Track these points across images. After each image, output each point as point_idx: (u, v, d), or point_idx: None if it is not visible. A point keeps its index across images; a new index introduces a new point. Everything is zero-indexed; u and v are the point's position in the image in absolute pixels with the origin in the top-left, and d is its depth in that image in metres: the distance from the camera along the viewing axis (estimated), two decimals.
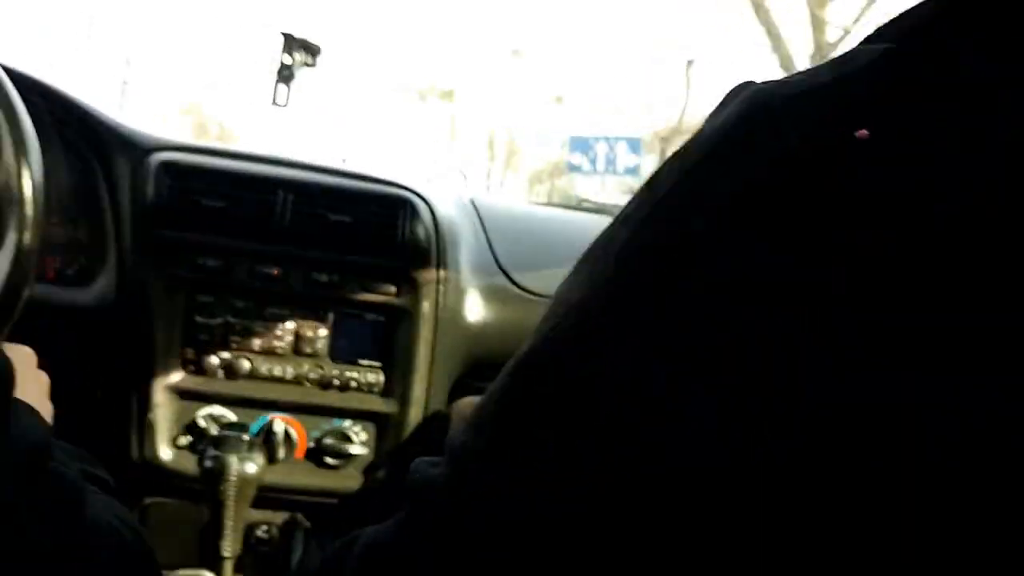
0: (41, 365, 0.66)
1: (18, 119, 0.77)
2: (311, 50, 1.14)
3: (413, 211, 1.00)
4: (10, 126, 0.77)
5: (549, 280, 1.10)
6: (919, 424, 0.23)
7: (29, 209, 0.77)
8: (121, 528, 0.43)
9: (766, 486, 0.25)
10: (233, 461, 0.82)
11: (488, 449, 0.33)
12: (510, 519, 0.31)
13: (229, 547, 0.81)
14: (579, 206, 1.59)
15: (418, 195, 1.02)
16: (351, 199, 0.98)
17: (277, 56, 1.12)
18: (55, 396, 0.79)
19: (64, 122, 0.97)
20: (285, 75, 1.11)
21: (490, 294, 1.07)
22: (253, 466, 0.83)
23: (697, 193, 0.29)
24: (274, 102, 1.11)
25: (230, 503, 0.81)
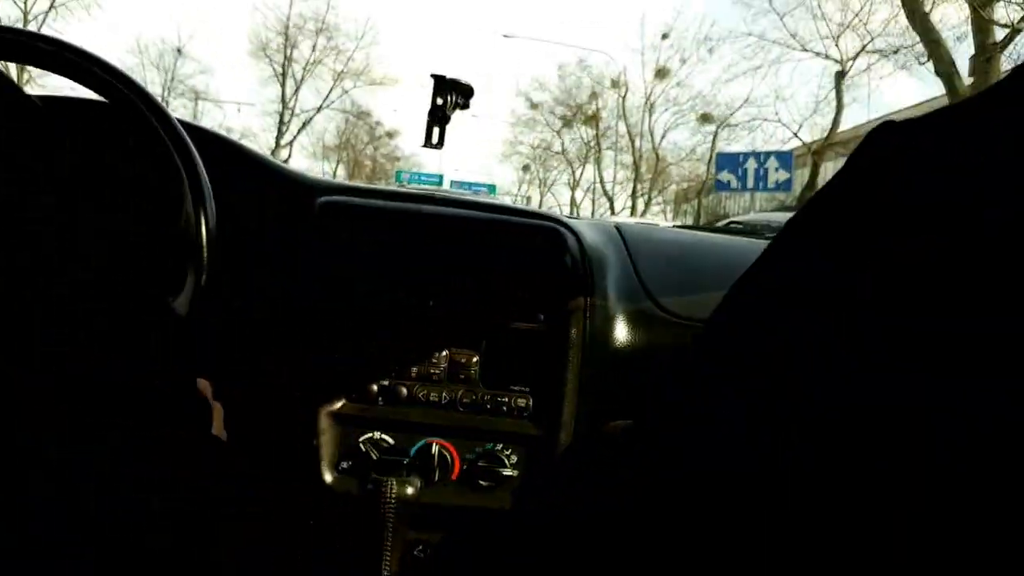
0: (215, 395, 0.72)
1: (197, 172, 0.85)
2: (463, 91, 1.18)
3: (560, 242, 1.02)
4: (189, 179, 0.85)
5: (695, 304, 1.09)
6: (931, 425, 0.23)
7: (205, 254, 0.85)
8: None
9: (792, 488, 0.25)
10: (393, 484, 0.86)
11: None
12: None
13: (389, 566, 0.85)
14: (727, 228, 1.57)
15: (564, 226, 1.05)
16: (499, 233, 1.02)
17: (430, 98, 1.17)
18: (229, 422, 0.86)
19: (234, 170, 1.05)
20: (438, 116, 1.16)
21: (637, 319, 1.08)
22: (411, 488, 0.87)
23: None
24: (427, 143, 1.17)
25: (390, 524, 0.86)
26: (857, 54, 17.90)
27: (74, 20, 27.74)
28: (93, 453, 0.32)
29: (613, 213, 25.02)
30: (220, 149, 1.03)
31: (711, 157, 22.48)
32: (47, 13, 23.10)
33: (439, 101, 1.21)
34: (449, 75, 1.23)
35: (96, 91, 0.90)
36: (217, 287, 0.91)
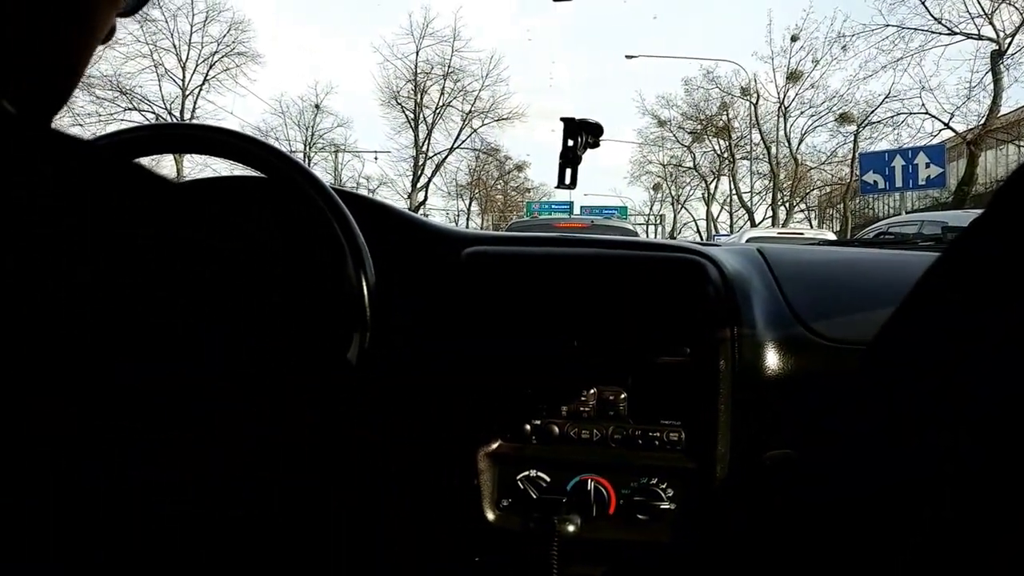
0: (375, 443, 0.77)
1: (354, 236, 0.92)
2: (592, 130, 1.21)
3: (701, 273, 1.02)
4: (348, 243, 0.92)
5: (848, 326, 1.06)
6: None
7: (368, 313, 0.91)
8: None
9: (962, 492, 0.25)
10: (554, 523, 0.89)
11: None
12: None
13: None
14: (877, 240, 1.52)
15: (704, 256, 1.05)
16: (639, 269, 1.03)
17: (562, 140, 1.21)
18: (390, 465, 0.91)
19: (387, 227, 1.12)
20: (570, 157, 1.20)
21: (787, 346, 1.06)
22: (572, 526, 0.90)
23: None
24: (560, 184, 1.20)
25: (554, 562, 0.88)
26: (1017, 30, 16.69)
27: (224, 90, 29.94)
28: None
29: (753, 225, 24.31)
30: (370, 211, 1.10)
31: (853, 158, 21.52)
32: (201, 87, 25.04)
33: (570, 143, 1.24)
34: (577, 116, 1.26)
35: (258, 169, 0.98)
36: (380, 342, 0.97)
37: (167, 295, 0.34)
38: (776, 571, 0.39)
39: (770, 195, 25.99)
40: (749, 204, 26.92)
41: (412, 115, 27.88)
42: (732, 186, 27.89)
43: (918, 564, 0.29)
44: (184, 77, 24.76)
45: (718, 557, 0.49)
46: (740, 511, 0.50)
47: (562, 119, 1.24)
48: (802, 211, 27.42)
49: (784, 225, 21.06)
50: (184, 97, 24.72)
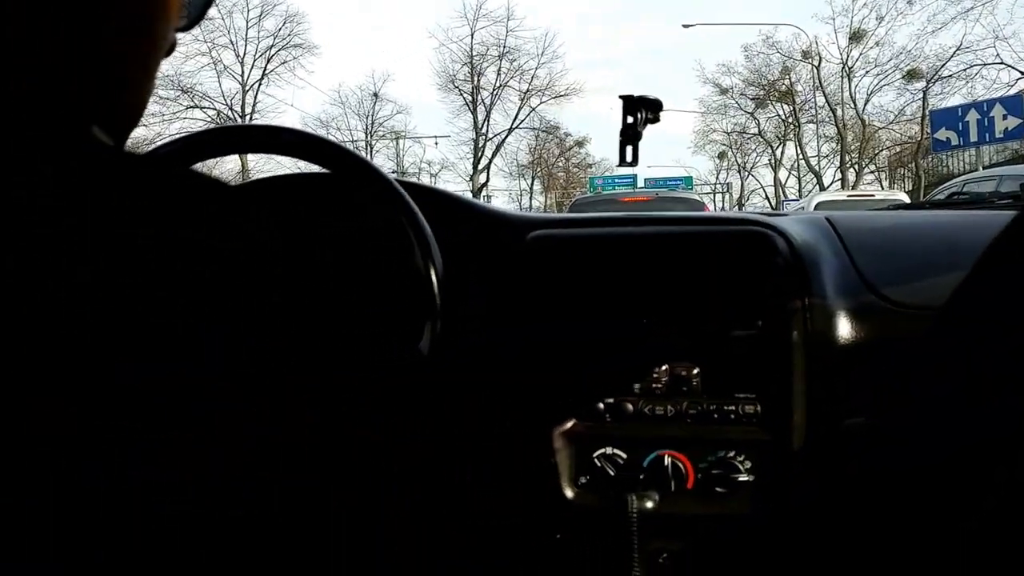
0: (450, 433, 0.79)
1: (421, 228, 0.94)
2: (652, 106, 1.21)
3: (769, 245, 1.02)
4: (415, 235, 0.94)
5: (922, 291, 1.05)
6: None
7: (437, 302, 0.94)
8: None
9: None
10: (632, 499, 0.90)
11: None
12: None
13: (637, 575, 0.89)
14: (949, 201, 1.48)
15: (771, 227, 1.04)
16: (707, 244, 1.03)
17: (621, 118, 1.21)
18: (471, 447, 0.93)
19: (451, 217, 1.14)
20: (631, 135, 1.20)
21: (860, 314, 1.05)
22: (651, 502, 0.91)
23: None
24: (622, 162, 1.20)
25: (634, 537, 0.90)
26: None
27: (283, 83, 30.46)
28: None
29: (822, 189, 23.70)
30: (434, 200, 1.13)
31: (924, 115, 20.77)
32: (260, 81, 25.51)
33: (629, 120, 1.24)
34: (636, 88, 1.26)
35: (323, 166, 1.01)
36: (451, 331, 1.00)
37: (213, 295, 0.34)
38: (852, 538, 0.39)
39: (838, 158, 25.29)
40: (817, 168, 26.24)
41: (470, 98, 27.95)
42: (798, 151, 27.23)
43: (989, 527, 0.29)
44: (243, 72, 25.28)
45: (796, 526, 0.49)
46: (818, 480, 0.50)
47: (621, 97, 1.24)
48: (872, 172, 26.62)
49: (854, 188, 20.49)
50: (244, 92, 25.25)
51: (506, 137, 28.50)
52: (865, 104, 24.97)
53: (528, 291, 1.10)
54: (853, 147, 24.90)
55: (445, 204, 1.14)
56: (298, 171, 1.23)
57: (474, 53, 27.71)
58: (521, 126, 28.62)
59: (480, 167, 27.79)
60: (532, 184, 32.50)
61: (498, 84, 27.92)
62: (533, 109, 28.40)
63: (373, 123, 28.93)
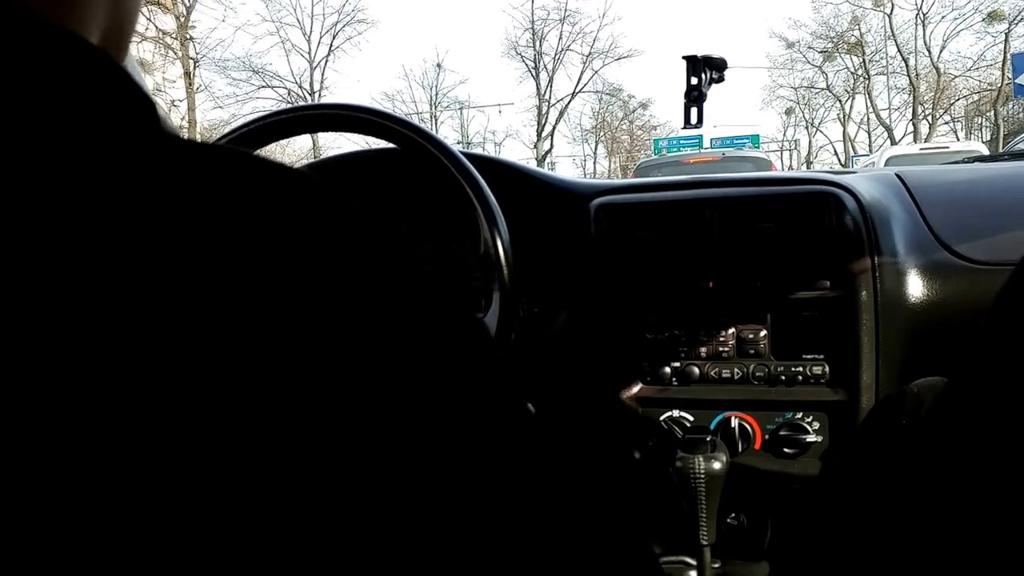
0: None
1: (487, 199, 0.96)
2: (716, 65, 1.20)
3: (837, 204, 1.01)
4: (481, 206, 0.96)
5: (997, 247, 1.02)
6: None
7: (506, 271, 0.95)
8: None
9: None
10: (700, 461, 0.91)
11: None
12: None
13: (706, 536, 0.91)
14: None
15: (839, 186, 1.03)
16: (773, 205, 1.03)
17: (685, 79, 1.20)
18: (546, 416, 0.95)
19: (515, 187, 1.16)
20: (695, 96, 1.19)
21: (932, 272, 1.03)
22: (718, 463, 0.92)
23: None
24: (687, 124, 1.20)
25: (702, 498, 0.91)
26: None
27: (348, 59, 30.71)
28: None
29: (893, 143, 22.89)
30: (499, 171, 1.14)
31: (1005, 59, 19.81)
32: (326, 58, 25.78)
33: (694, 81, 1.23)
34: (700, 46, 1.24)
35: (390, 141, 1.03)
36: (519, 300, 1.01)
37: None
38: (922, 500, 0.40)
39: (910, 110, 24.36)
40: (888, 122, 25.35)
41: (532, 63, 27.74)
42: (868, 104, 26.31)
43: None
44: (310, 50, 25.56)
45: (866, 485, 0.50)
46: (888, 440, 0.50)
47: (684, 57, 1.23)
48: (946, 123, 25.58)
49: (927, 140, 19.73)
50: (312, 70, 25.54)
51: (569, 102, 28.25)
52: (940, 51, 23.93)
53: (593, 258, 1.11)
54: (926, 98, 23.93)
55: (509, 175, 1.16)
56: (367, 147, 1.26)
57: (535, 18, 27.45)
58: (584, 90, 28.33)
59: (544, 134, 27.63)
60: (596, 149, 32.20)
61: (560, 48, 27.64)
62: (596, 72, 28.06)
63: (437, 94, 28.99)
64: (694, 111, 1.22)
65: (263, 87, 24.76)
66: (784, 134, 32.88)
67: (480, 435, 0.38)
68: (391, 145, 1.03)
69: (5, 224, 0.27)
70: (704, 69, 1.22)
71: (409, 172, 1.17)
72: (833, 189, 1.02)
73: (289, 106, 1.13)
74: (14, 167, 0.27)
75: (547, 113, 27.78)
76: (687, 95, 1.24)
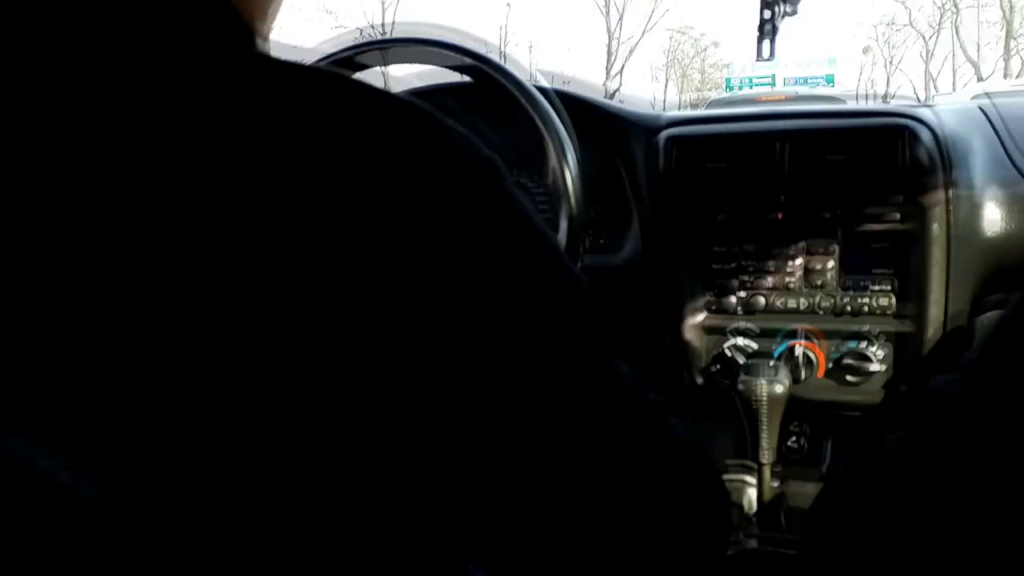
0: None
1: (556, 129, 0.98)
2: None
3: (912, 137, 1.00)
4: (550, 135, 0.98)
5: None
6: None
7: (574, 200, 0.98)
8: (694, 443, 0.53)
9: None
10: (763, 384, 0.94)
11: (1002, 370, 0.37)
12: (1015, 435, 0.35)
13: (766, 456, 0.94)
14: None
15: (916, 119, 1.02)
16: (846, 137, 1.03)
17: (759, 12, 1.19)
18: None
19: (587, 118, 1.17)
20: (767, 29, 1.18)
21: (1011, 205, 1.02)
22: (780, 387, 0.95)
23: None
24: (759, 57, 1.19)
25: (763, 419, 0.94)
26: None
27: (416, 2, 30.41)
28: None
29: (980, 80, 21.78)
30: (569, 104, 1.16)
31: None
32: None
33: (767, 15, 1.22)
34: None
35: (465, 74, 1.05)
36: (585, 230, 1.04)
37: None
38: (987, 434, 0.41)
39: (1001, 44, 23.09)
40: (976, 58, 24.10)
41: (602, 1, 27.09)
42: (955, 39, 25.01)
43: None
44: None
45: (928, 414, 0.50)
46: (951, 372, 0.52)
47: None
48: None
49: (1017, 77, 18.72)
50: (384, 10, 25.44)
51: (639, 39, 27.55)
52: None
53: (661, 189, 1.13)
54: (1021, 31, 22.63)
55: (578, 107, 1.17)
56: (437, 83, 1.27)
57: None
58: (654, 27, 27.55)
59: (613, 72, 27.09)
60: (666, 87, 31.46)
61: None
62: (667, 10, 27.24)
63: (506, 33, 28.59)
64: (766, 44, 1.21)
65: (336, 28, 24.79)
66: (860, 73, 31.59)
67: (577, 359, 0.41)
68: (461, 79, 1.04)
69: (150, 133, 0.31)
70: (777, 2, 1.21)
71: (477, 105, 1.20)
72: (908, 121, 1.02)
73: (365, 40, 1.15)
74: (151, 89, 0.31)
75: (616, 52, 27.18)
76: (760, 28, 1.23)
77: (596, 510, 0.40)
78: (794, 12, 1.20)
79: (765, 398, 0.94)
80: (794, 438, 1.13)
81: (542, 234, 0.40)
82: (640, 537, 0.43)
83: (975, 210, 1.01)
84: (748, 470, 1.07)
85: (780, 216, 1.07)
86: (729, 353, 1.12)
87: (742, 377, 0.97)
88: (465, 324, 0.34)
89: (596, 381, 0.41)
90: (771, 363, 0.98)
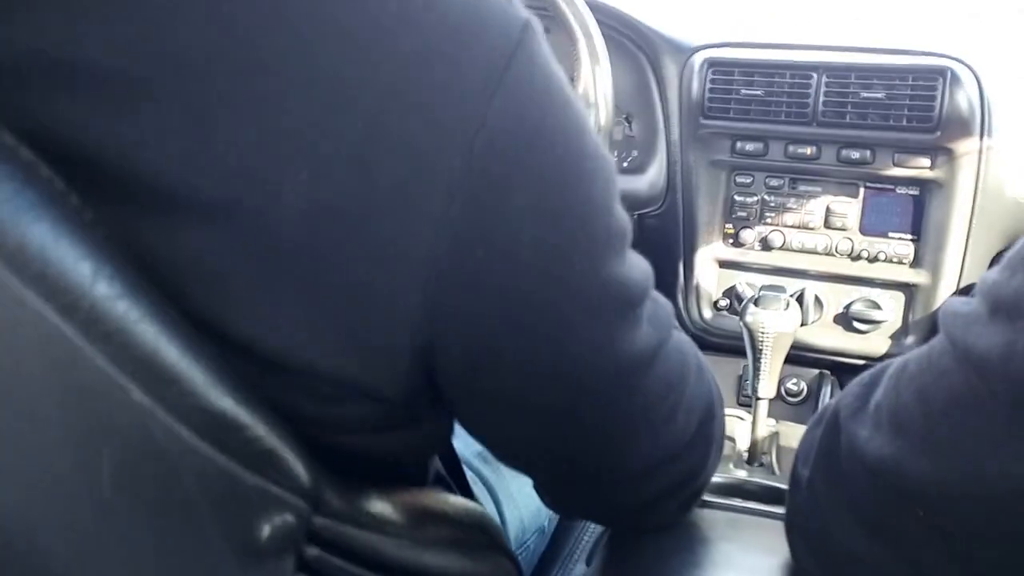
0: None
1: (592, 37, 0.94)
2: None
3: (954, 81, 0.97)
4: (586, 42, 0.95)
5: None
6: None
7: (603, 113, 0.95)
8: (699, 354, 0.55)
9: None
10: (771, 316, 0.93)
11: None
12: None
13: (764, 389, 0.93)
14: None
15: (962, 63, 0.98)
16: (884, 75, 0.99)
17: None
18: None
19: (621, 33, 1.14)
20: None
21: None
22: (788, 323, 0.93)
23: None
24: None
25: (767, 352, 0.93)
26: None
27: None
28: None
29: None
30: (602, 15, 1.12)
31: None
32: None
33: None
34: None
35: None
36: (613, 145, 1.01)
37: None
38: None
39: None
40: None
41: None
42: None
43: None
44: None
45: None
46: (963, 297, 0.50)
47: None
48: None
49: None
50: None
51: None
52: None
53: (692, 110, 1.10)
54: None
55: (612, 17, 1.13)
56: None
57: None
58: None
59: None
60: None
61: None
62: None
63: None
64: None
65: None
66: None
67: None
68: None
69: None
70: None
71: None
72: (952, 63, 0.98)
73: None
74: None
75: None
76: None
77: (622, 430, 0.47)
78: None
79: (772, 332, 0.93)
80: (795, 380, 1.12)
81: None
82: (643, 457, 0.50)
83: (1008, 165, 0.99)
84: (744, 406, 1.06)
85: (810, 152, 1.04)
86: (739, 288, 1.11)
87: (751, 309, 0.95)
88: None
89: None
90: (782, 298, 0.97)
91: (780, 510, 0.57)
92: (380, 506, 0.44)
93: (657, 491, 0.54)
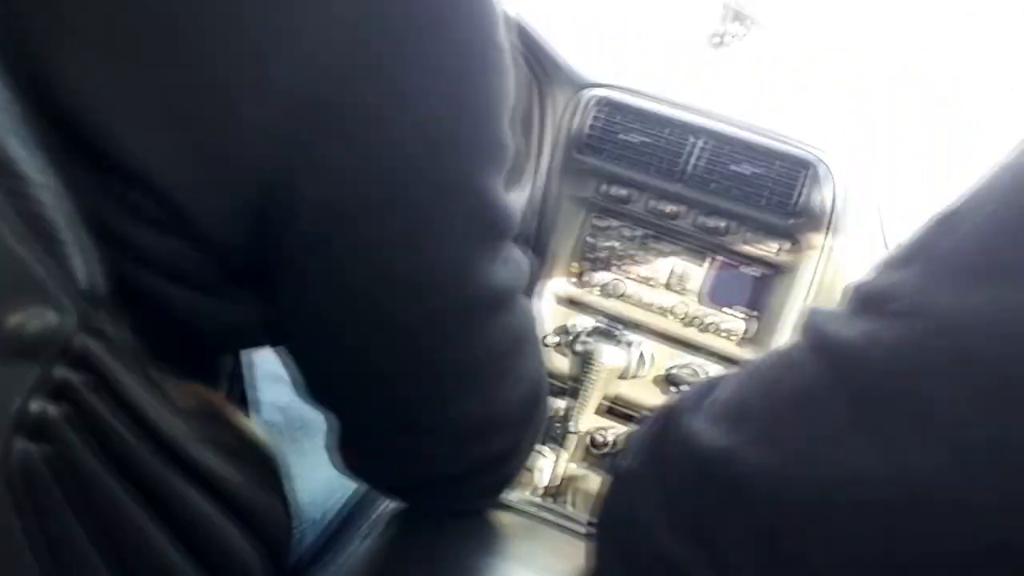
0: None
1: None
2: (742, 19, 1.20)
3: (814, 175, 1.01)
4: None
5: None
6: None
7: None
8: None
9: None
10: (604, 349, 0.90)
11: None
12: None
13: (581, 422, 0.90)
14: None
15: (823, 161, 1.03)
16: (755, 154, 1.02)
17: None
18: None
19: (519, 51, 1.12)
20: (715, 43, 1.19)
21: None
22: (618, 359, 0.91)
23: None
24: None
25: (592, 384, 0.90)
26: None
27: None
28: None
29: None
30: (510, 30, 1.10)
31: None
32: None
33: (719, 30, 1.23)
34: None
35: None
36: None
37: None
38: None
39: None
40: None
41: None
42: None
43: None
44: None
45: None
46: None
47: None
48: None
49: None
50: None
51: None
52: None
53: (573, 145, 1.08)
54: None
55: (524, 36, 1.12)
56: None
57: None
58: None
59: None
60: None
61: None
62: None
63: None
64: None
65: None
66: None
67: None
68: None
69: None
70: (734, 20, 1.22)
71: None
72: (816, 159, 1.02)
73: None
74: None
75: None
76: (710, 40, 1.23)
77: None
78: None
79: (601, 364, 0.91)
80: (603, 431, 1.09)
81: None
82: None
83: (848, 261, 1.03)
84: (552, 441, 1.02)
85: (670, 211, 1.05)
86: (576, 326, 1.08)
87: (585, 339, 0.93)
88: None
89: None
90: (616, 334, 0.95)
91: (581, 528, 0.53)
92: (160, 375, 0.36)
93: (471, 463, 0.49)
